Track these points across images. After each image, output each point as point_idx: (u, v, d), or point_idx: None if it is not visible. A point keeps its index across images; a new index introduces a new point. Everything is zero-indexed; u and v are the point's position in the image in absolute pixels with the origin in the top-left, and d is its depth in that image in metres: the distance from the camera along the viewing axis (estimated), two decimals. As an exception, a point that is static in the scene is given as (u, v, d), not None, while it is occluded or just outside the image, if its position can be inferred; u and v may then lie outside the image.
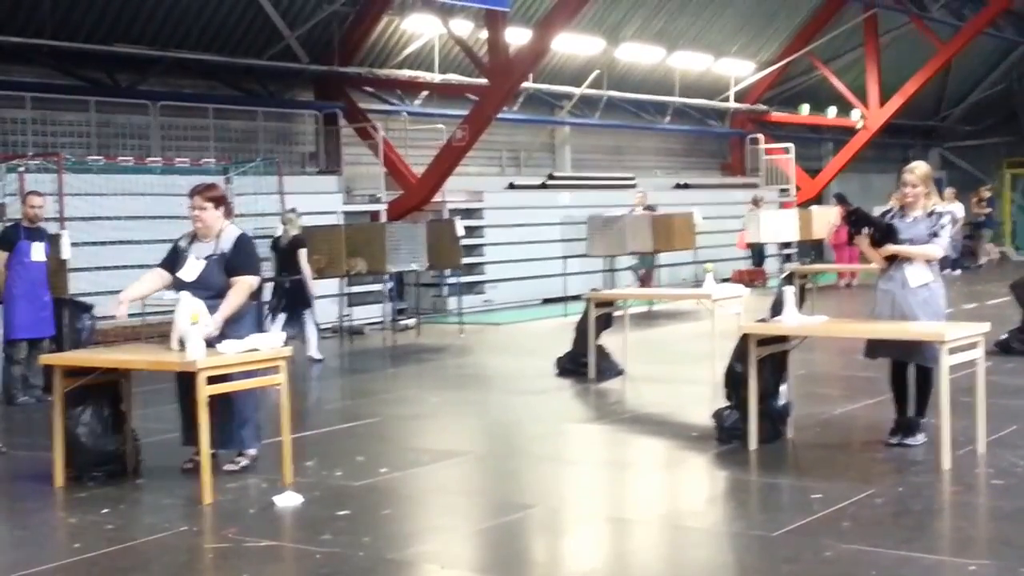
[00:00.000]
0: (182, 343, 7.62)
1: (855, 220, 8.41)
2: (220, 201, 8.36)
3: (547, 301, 21.04)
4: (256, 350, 7.66)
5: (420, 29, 21.86)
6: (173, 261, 8.38)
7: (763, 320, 8.79)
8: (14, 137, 17.10)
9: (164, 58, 18.56)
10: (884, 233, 8.26)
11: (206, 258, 8.23)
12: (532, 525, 7.01)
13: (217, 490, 7.44)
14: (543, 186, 23.42)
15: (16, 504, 7.85)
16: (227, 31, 19.35)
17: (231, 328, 7.99)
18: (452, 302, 19.58)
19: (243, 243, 8.32)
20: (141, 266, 14.94)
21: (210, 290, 8.09)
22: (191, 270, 8.20)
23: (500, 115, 21.48)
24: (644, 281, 21.52)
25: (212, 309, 7.90)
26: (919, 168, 8.44)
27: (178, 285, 8.19)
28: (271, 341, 7.81)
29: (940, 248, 8.28)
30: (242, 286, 8.15)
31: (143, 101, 18.66)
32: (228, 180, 17.22)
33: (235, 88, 20.16)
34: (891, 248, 8.26)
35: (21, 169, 14.74)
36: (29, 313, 11.78)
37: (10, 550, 6.67)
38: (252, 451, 8.34)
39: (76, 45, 17.37)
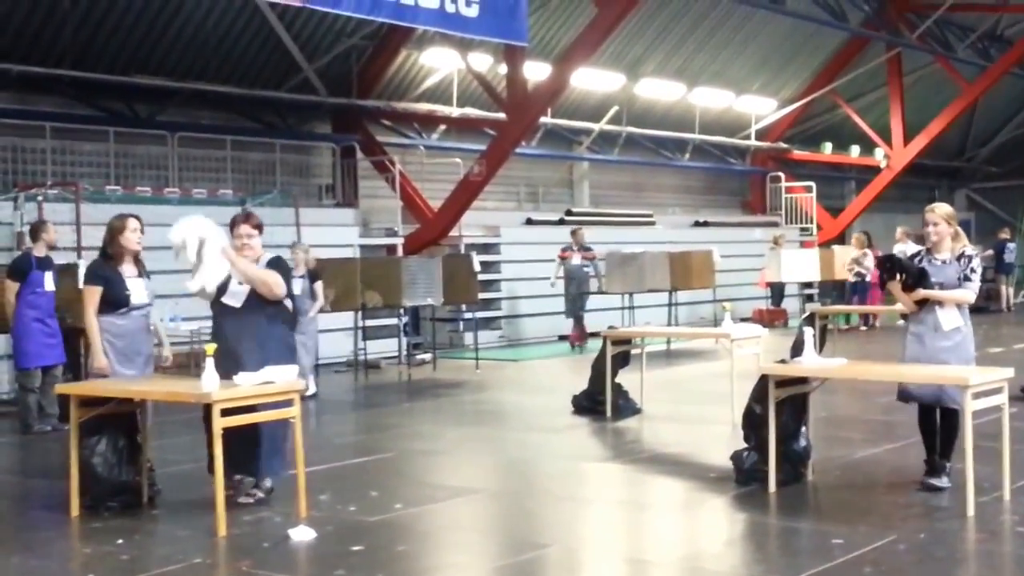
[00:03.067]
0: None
1: (889, 267, 8.37)
2: (262, 228, 8.52)
3: (563, 338, 20.94)
4: (271, 383, 7.62)
5: (438, 63, 21.93)
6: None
7: (783, 361, 8.70)
8: (33, 167, 17.17)
9: (183, 89, 18.65)
10: (916, 278, 8.22)
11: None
12: (548, 565, 6.92)
13: (232, 523, 7.38)
14: (561, 222, 23.38)
15: (31, 533, 7.80)
16: (246, 63, 19.44)
17: (274, 353, 8.04)
18: (468, 337, 19.55)
19: (279, 261, 8.47)
20: (157, 296, 15.05)
21: (259, 314, 8.18)
22: (238, 295, 8.20)
23: (518, 150, 21.51)
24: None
25: (263, 336, 8.12)
26: (940, 207, 8.41)
27: (223, 312, 8.25)
28: (285, 374, 7.76)
29: (972, 292, 8.23)
30: (275, 276, 8.24)
31: (162, 132, 18.76)
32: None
33: (253, 120, 20.24)
34: (923, 293, 8.21)
35: (40, 198, 14.78)
36: (43, 341, 11.79)
37: (24, 580, 6.63)
38: (268, 483, 8.28)
39: (96, 75, 17.47)
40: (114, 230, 8.57)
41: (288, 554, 6.98)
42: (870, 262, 22.34)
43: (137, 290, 8.53)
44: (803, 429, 8.58)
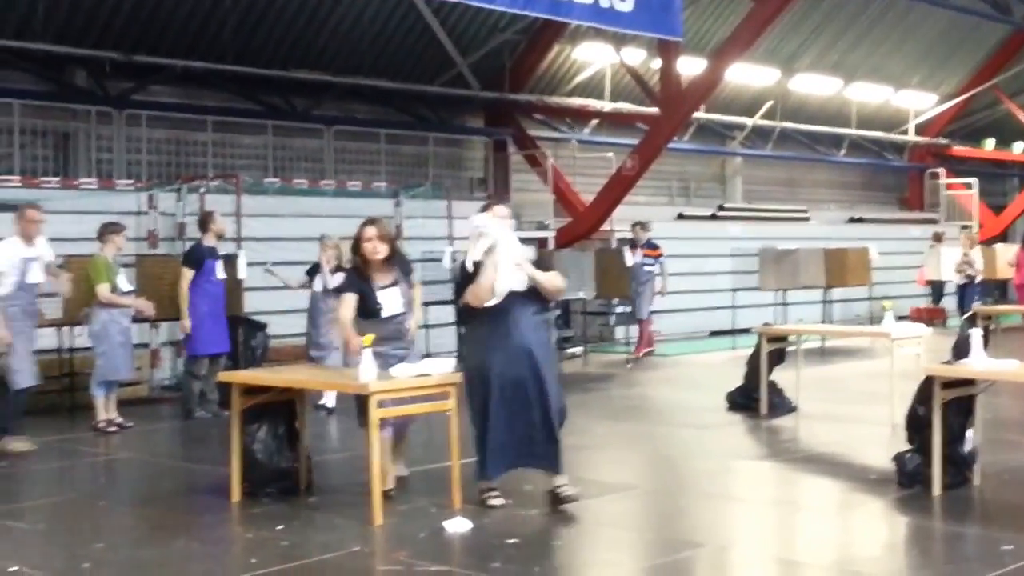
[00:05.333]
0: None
1: None
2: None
3: (715, 333, 20.73)
4: (427, 375, 7.65)
5: (591, 57, 21.88)
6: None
7: (948, 362, 8.44)
8: (195, 159, 17.64)
9: (339, 84, 18.94)
10: None
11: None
12: (702, 565, 6.81)
13: (387, 512, 7.43)
14: (713, 217, 23.16)
15: (194, 517, 8.01)
16: (400, 58, 19.64)
17: (544, 336, 7.96)
18: (619, 331, 19.44)
19: (544, 258, 8.11)
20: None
21: (535, 298, 7.86)
22: (516, 280, 7.82)
23: (670, 145, 21.31)
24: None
25: (539, 318, 7.88)
26: None
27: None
28: (442, 366, 7.78)
29: None
30: (561, 278, 8.03)
31: (318, 126, 19.10)
32: (398, 204, 17.43)
33: (407, 114, 20.44)
34: None
35: (202, 190, 15.15)
36: (213, 330, 12.07)
37: (190, 562, 6.79)
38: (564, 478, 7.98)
39: (256, 71, 17.85)
40: (355, 240, 8.24)
41: (444, 545, 7.00)
42: (980, 263, 21.49)
43: (390, 301, 8.20)
44: (969, 432, 8.31)
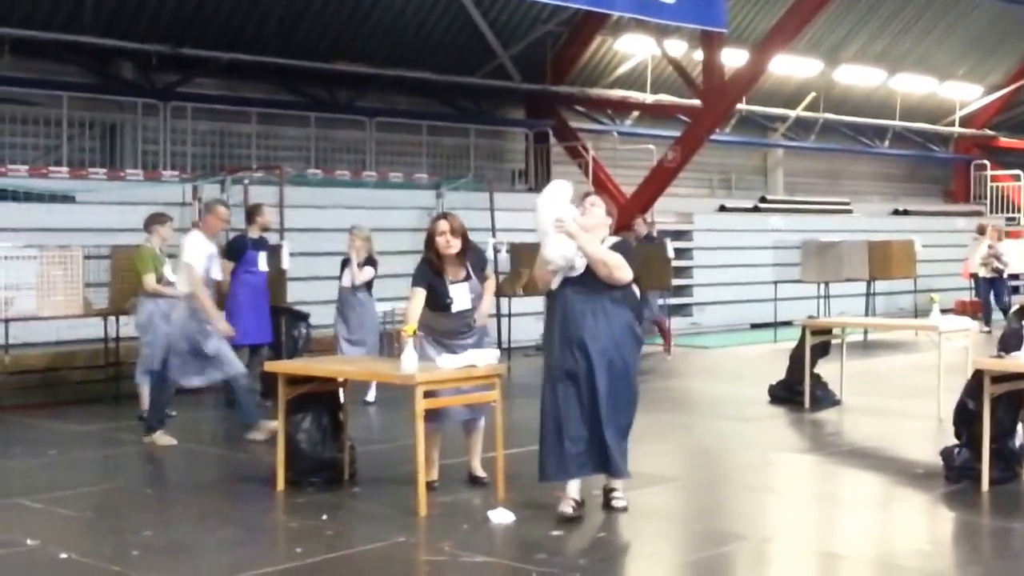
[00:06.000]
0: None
1: None
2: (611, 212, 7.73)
3: (756, 326, 20.64)
4: (473, 365, 7.64)
5: (633, 49, 21.83)
6: None
7: (998, 356, 8.35)
8: (239, 151, 17.74)
9: (381, 76, 18.99)
10: None
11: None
12: (745, 558, 6.78)
13: (430, 503, 7.44)
14: (754, 209, 23.06)
15: (240, 506, 8.06)
16: (442, 50, 19.67)
17: (623, 337, 7.41)
18: (661, 323, 19.39)
19: (624, 245, 7.61)
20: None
21: (605, 291, 7.39)
22: (564, 249, 7.34)
23: (712, 137, 21.23)
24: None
25: (611, 315, 7.35)
26: None
27: (564, 282, 7.44)
28: (487, 357, 7.77)
29: None
30: (617, 258, 7.36)
31: (360, 117, 19.16)
32: (439, 195, 17.45)
33: (448, 105, 20.47)
34: None
35: (246, 181, 15.22)
36: (253, 320, 12.08)
37: (236, 550, 6.81)
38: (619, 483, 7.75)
39: (299, 63, 17.92)
40: (428, 234, 8.10)
41: (488, 536, 7.02)
42: (1010, 256, 21.15)
43: (460, 296, 8.06)
44: (1019, 427, 8.23)
